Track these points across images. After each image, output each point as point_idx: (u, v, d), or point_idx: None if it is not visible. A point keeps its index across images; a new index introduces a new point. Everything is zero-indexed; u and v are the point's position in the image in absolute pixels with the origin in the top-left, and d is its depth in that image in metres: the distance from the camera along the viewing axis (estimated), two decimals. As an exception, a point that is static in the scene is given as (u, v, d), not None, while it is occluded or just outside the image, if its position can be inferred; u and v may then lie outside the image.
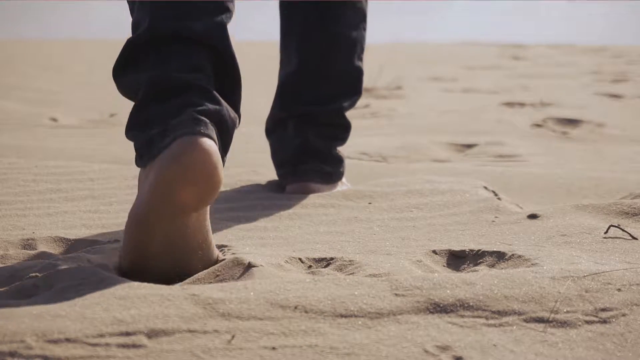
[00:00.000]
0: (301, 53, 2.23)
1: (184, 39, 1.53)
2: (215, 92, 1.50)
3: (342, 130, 2.26)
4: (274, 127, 2.29)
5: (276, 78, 2.28)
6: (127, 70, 1.56)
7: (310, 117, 2.22)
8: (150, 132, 1.46)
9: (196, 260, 1.49)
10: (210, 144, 1.39)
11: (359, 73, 2.29)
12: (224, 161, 1.46)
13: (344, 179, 2.27)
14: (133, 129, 1.52)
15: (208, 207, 1.47)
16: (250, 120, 3.39)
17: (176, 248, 1.45)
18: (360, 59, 2.31)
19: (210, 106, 1.46)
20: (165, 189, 1.39)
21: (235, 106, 1.56)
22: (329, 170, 2.22)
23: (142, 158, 1.48)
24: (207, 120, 1.43)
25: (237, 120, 1.55)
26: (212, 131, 1.43)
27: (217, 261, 1.52)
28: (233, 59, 1.57)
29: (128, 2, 1.62)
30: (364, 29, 2.33)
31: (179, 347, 1.11)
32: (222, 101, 1.50)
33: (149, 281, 1.35)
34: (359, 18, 2.29)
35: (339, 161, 2.25)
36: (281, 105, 2.27)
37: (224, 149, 1.49)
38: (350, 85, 2.27)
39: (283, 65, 2.30)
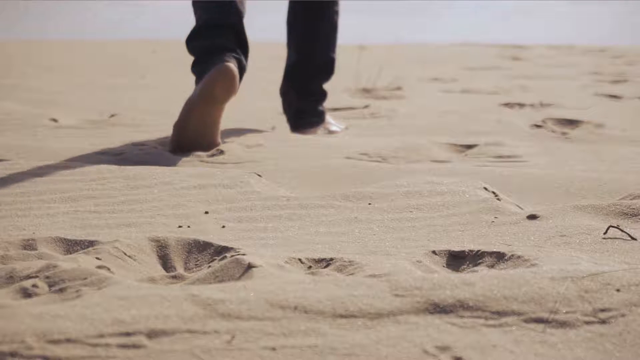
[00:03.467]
0: (294, 51, 3.66)
1: (222, 26, 3.06)
2: (237, 51, 3.01)
3: (322, 96, 3.70)
4: (283, 93, 3.72)
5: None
6: (194, 39, 3.06)
7: (302, 90, 3.66)
8: (206, 64, 2.90)
9: (212, 137, 2.91)
10: (234, 68, 2.89)
11: (332, 61, 3.67)
12: (240, 81, 2.93)
13: (328, 119, 3.70)
14: (195, 66, 3.00)
15: (223, 111, 2.92)
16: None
17: (204, 126, 2.87)
18: (334, 51, 3.66)
19: (235, 55, 2.98)
20: (207, 86, 2.84)
21: (245, 60, 3.06)
22: (316, 120, 3.66)
23: (200, 75, 2.92)
24: (234, 59, 2.93)
25: (245, 67, 3.03)
26: (235, 64, 2.92)
27: (219, 144, 2.93)
28: (245, 37, 3.09)
29: (192, 5, 3.17)
30: (337, 20, 3.65)
31: (179, 348, 1.11)
32: (241, 55, 3.02)
33: (183, 150, 2.83)
34: (332, 18, 3.63)
35: (321, 113, 3.69)
36: (286, 81, 3.71)
37: (240, 77, 2.96)
38: (327, 70, 3.68)
39: (287, 58, 3.71)
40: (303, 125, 3.62)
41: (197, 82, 2.94)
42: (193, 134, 2.86)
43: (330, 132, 3.64)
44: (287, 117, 3.70)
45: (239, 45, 3.03)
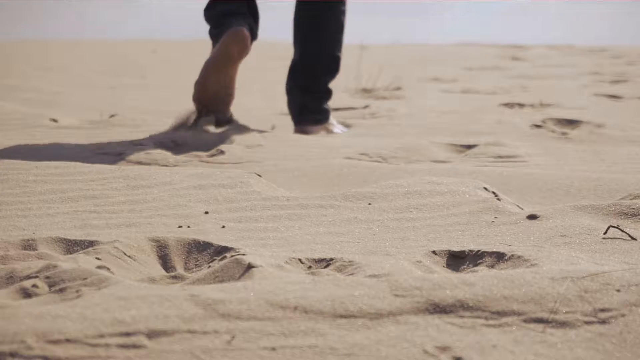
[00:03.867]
0: (300, 49, 3.70)
1: None
2: (249, 16, 3.38)
3: (327, 94, 3.73)
4: (288, 90, 3.74)
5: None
6: (210, 9, 3.45)
7: (307, 88, 3.68)
8: (222, 27, 3.28)
9: (229, 90, 3.37)
10: (246, 30, 3.30)
11: (338, 59, 3.69)
12: (252, 41, 3.37)
13: (331, 120, 3.74)
14: (212, 31, 3.40)
15: (237, 70, 3.35)
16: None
17: (221, 85, 3.29)
18: (340, 50, 3.69)
19: (248, 20, 3.36)
20: (224, 46, 3.26)
21: (256, 26, 3.45)
22: (319, 118, 3.69)
23: (217, 38, 3.33)
24: (246, 24, 3.30)
25: (256, 33, 3.43)
26: (247, 28, 3.31)
27: (233, 97, 3.45)
28: (256, 6, 3.50)
29: None
30: (344, 19, 3.70)
31: (179, 348, 1.11)
32: (252, 21, 3.40)
33: (205, 104, 3.34)
34: (339, 17, 3.69)
35: (326, 112, 3.72)
36: (290, 79, 3.73)
37: (251, 40, 3.38)
38: (332, 68, 3.69)
39: (293, 55, 3.74)
40: (306, 122, 3.67)
41: (213, 44, 3.40)
42: (212, 89, 3.31)
43: (331, 133, 3.69)
44: (291, 114, 3.76)
45: (251, 12, 3.44)
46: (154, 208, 2.06)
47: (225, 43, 3.26)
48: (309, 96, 3.67)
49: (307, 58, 3.66)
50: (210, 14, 3.44)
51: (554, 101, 4.79)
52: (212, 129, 3.36)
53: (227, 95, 3.36)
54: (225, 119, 3.45)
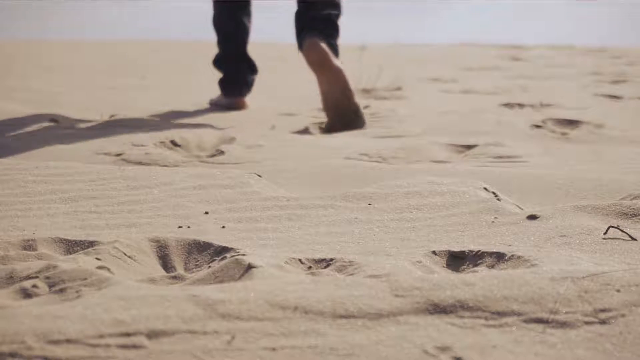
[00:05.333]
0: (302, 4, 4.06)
1: (238, 55, 4.50)
2: (248, 77, 4.58)
3: (334, 30, 3.91)
4: (298, 32, 3.95)
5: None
6: (220, 63, 4.56)
7: (313, 26, 3.88)
8: (229, 88, 4.55)
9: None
10: (245, 100, 4.55)
11: (339, 4, 4.00)
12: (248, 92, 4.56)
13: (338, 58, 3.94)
14: (221, 83, 4.57)
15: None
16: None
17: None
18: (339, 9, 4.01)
19: (247, 86, 4.55)
20: (228, 105, 4.49)
21: (254, 80, 4.60)
22: (330, 40, 3.89)
23: (225, 93, 4.56)
24: (246, 88, 4.55)
25: (252, 86, 4.59)
26: (247, 93, 4.55)
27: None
28: (253, 62, 4.58)
29: (213, 27, 4.54)
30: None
31: (179, 348, 1.11)
32: (251, 80, 4.61)
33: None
34: None
35: (335, 48, 3.88)
36: (296, 22, 3.97)
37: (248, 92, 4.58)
38: (335, 5, 3.96)
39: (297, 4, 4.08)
40: (315, 36, 3.82)
41: (222, 93, 4.55)
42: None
43: (333, 65, 3.79)
44: (297, 35, 3.94)
45: (250, 70, 4.54)
46: (154, 208, 2.06)
47: (230, 104, 4.48)
48: (316, 32, 3.84)
49: (311, 3, 3.93)
50: (220, 67, 4.54)
51: (554, 101, 4.79)
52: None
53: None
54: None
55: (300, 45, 3.89)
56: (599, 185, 2.42)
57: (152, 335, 1.13)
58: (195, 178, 2.34)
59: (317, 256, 1.63)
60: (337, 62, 3.81)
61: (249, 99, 4.59)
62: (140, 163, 2.80)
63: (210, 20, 4.58)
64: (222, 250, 1.68)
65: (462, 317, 1.22)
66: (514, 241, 1.74)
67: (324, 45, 3.78)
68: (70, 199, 2.13)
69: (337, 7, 3.99)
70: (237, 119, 4.03)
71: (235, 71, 4.50)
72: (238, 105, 4.50)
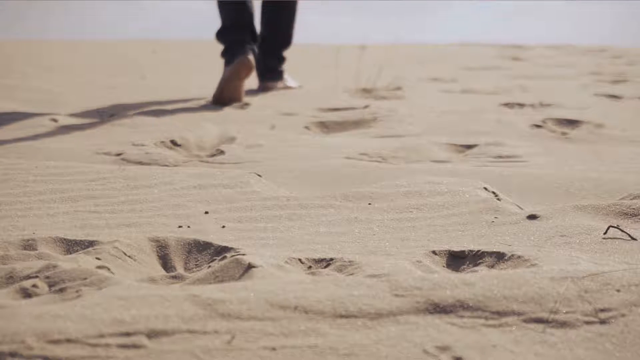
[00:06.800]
0: (265, 28, 5.26)
1: (241, 26, 4.81)
2: (252, 43, 4.77)
3: (282, 60, 5.38)
4: (256, 56, 4.84)
5: None
6: (222, 34, 4.77)
7: (268, 55, 5.27)
8: (233, 52, 4.64)
9: (238, 96, 4.57)
10: (251, 58, 4.59)
11: (290, 36, 5.30)
12: (254, 63, 4.68)
13: (285, 77, 5.40)
14: (224, 54, 4.74)
15: (244, 83, 4.64)
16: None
17: (232, 93, 4.55)
18: (292, 28, 5.30)
19: (250, 47, 4.68)
20: (235, 70, 4.55)
21: (256, 48, 4.84)
22: (276, 76, 5.33)
23: (228, 60, 4.64)
24: (251, 51, 4.65)
25: (256, 53, 4.81)
26: (252, 54, 4.64)
27: (242, 99, 4.66)
28: (256, 32, 4.86)
29: (217, 6, 4.88)
30: (296, 9, 5.29)
31: (179, 348, 1.11)
32: (254, 46, 4.75)
33: (222, 104, 4.57)
34: (293, 7, 5.29)
35: (281, 72, 5.37)
36: (259, 48, 5.12)
37: (255, 61, 4.74)
38: (287, 42, 5.31)
39: (260, 31, 5.24)
40: (267, 80, 5.31)
41: (226, 64, 4.69)
42: (226, 96, 4.58)
43: (287, 87, 5.34)
44: (257, 73, 5.32)
45: (253, 38, 4.79)
46: (154, 208, 2.06)
47: (236, 67, 4.58)
48: (269, 61, 5.31)
49: (270, 35, 5.23)
50: (222, 39, 4.78)
51: (554, 101, 4.79)
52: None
53: (237, 98, 4.66)
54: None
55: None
56: (599, 185, 2.42)
57: (152, 335, 1.13)
58: (195, 178, 2.34)
59: (317, 256, 1.63)
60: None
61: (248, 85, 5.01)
62: (140, 163, 2.80)
63: (211, 18, 5.02)
64: (222, 250, 1.69)
65: (462, 316, 1.22)
66: (514, 241, 1.74)
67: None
68: (70, 198, 2.13)
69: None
70: (237, 119, 4.03)
71: (238, 40, 4.69)
72: (243, 65, 4.58)
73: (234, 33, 4.73)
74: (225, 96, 4.61)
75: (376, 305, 1.23)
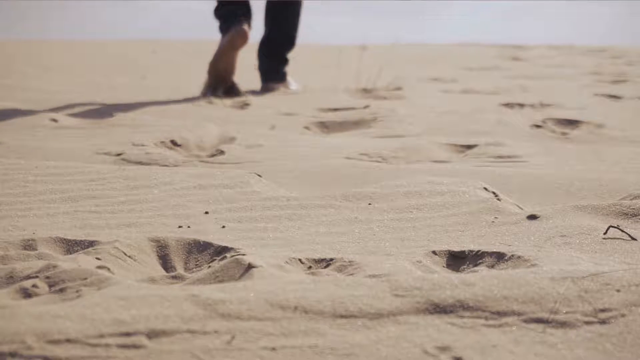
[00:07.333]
0: (268, 28, 5.35)
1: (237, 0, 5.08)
2: (248, 15, 4.93)
3: (285, 62, 5.41)
4: (259, 57, 5.42)
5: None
6: (219, 10, 4.98)
7: (271, 56, 5.36)
8: (229, 24, 4.88)
9: (231, 72, 4.96)
10: (247, 28, 4.87)
11: (293, 38, 5.36)
12: (249, 35, 4.97)
13: (288, 79, 5.42)
14: (222, 26, 4.96)
15: (238, 54, 4.97)
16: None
17: (228, 65, 4.90)
18: (296, 31, 5.37)
19: (248, 18, 4.91)
20: (231, 39, 4.85)
21: (251, 20, 5.02)
22: (279, 78, 5.37)
23: (225, 32, 4.90)
24: (246, 22, 4.88)
25: (251, 26, 4.99)
26: (247, 25, 4.88)
27: (233, 73, 5.02)
28: (251, 7, 5.01)
29: None
30: (300, 11, 5.38)
31: (179, 348, 1.11)
32: (250, 19, 4.96)
33: (215, 84, 4.99)
34: (298, 8, 5.35)
35: (284, 74, 5.41)
36: (260, 48, 5.41)
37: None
38: (290, 43, 5.37)
39: (264, 31, 5.40)
40: (270, 81, 5.35)
41: (222, 36, 4.91)
42: (221, 67, 4.84)
43: (288, 89, 5.33)
44: (260, 74, 5.41)
45: (248, 11, 4.94)
46: (154, 208, 2.06)
47: (232, 37, 4.82)
48: (272, 62, 5.37)
49: (273, 36, 5.33)
50: (219, 13, 4.97)
51: (554, 101, 4.79)
52: (220, 99, 4.72)
53: (231, 70, 4.90)
54: (230, 87, 4.96)
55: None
56: (599, 185, 2.42)
57: (152, 335, 1.13)
58: (195, 178, 2.34)
59: (317, 256, 1.63)
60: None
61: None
62: (140, 163, 2.80)
63: (210, 15, 5.14)
64: (222, 250, 1.69)
65: (462, 317, 1.22)
66: (514, 241, 1.74)
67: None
68: (70, 198, 2.13)
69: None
70: (237, 119, 4.03)
71: (232, 12, 4.89)
72: (237, 34, 4.82)
73: (229, 6, 4.90)
74: (220, 67, 4.81)
75: (376, 305, 1.23)
